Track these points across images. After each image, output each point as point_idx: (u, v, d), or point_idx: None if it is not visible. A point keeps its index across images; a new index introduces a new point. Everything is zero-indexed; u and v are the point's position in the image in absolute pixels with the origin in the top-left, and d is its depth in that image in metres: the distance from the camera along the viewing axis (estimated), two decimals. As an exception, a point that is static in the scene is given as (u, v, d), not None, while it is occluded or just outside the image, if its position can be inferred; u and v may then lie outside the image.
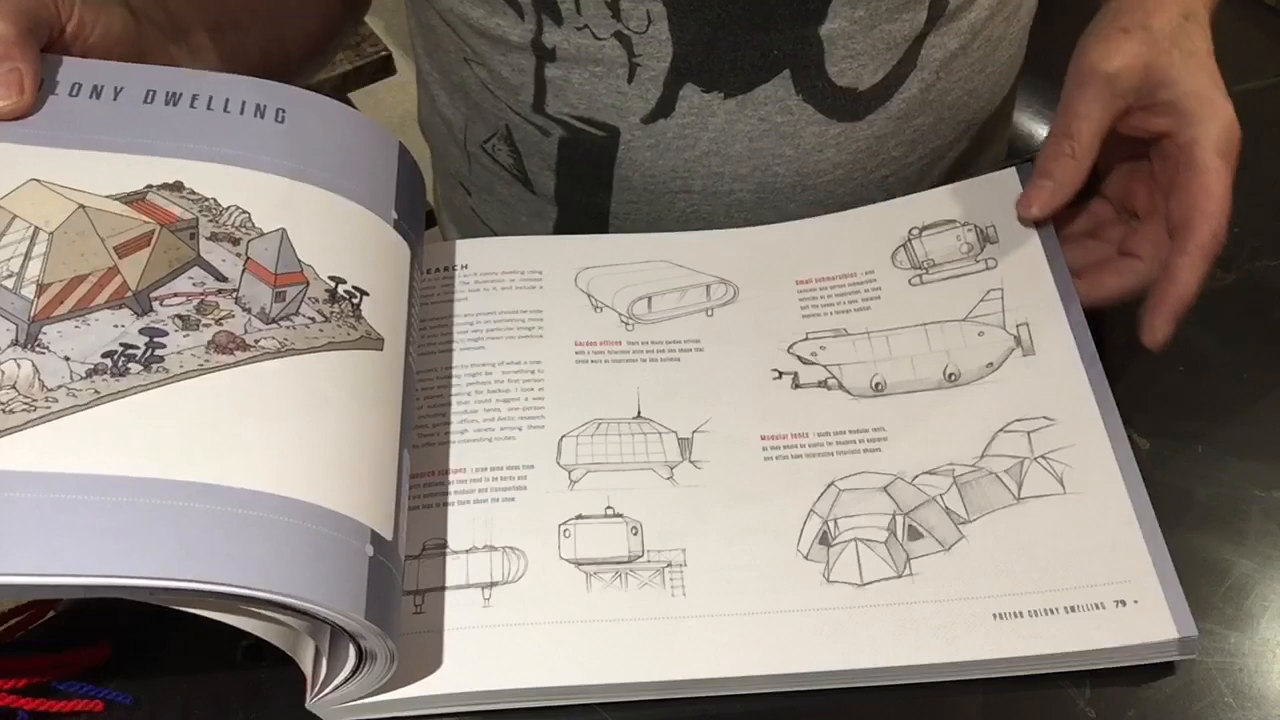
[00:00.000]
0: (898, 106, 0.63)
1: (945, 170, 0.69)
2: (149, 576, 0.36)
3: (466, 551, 0.48)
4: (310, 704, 0.43)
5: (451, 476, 0.50)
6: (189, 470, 0.38)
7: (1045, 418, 0.50)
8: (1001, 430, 0.50)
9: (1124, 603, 0.45)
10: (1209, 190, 0.50)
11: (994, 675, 0.45)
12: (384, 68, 1.36)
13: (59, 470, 0.37)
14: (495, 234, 0.74)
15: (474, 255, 0.57)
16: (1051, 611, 0.45)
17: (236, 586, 0.37)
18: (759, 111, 0.61)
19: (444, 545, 0.48)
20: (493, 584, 0.47)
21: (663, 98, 0.60)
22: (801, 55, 0.59)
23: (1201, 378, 0.54)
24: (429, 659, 0.45)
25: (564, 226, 0.69)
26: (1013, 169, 0.58)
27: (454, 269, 0.56)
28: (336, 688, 0.42)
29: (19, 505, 0.36)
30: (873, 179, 0.65)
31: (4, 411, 0.38)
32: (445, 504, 0.49)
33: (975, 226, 0.56)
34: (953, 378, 0.52)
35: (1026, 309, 0.53)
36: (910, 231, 0.57)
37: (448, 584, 0.47)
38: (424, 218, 0.53)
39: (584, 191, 0.66)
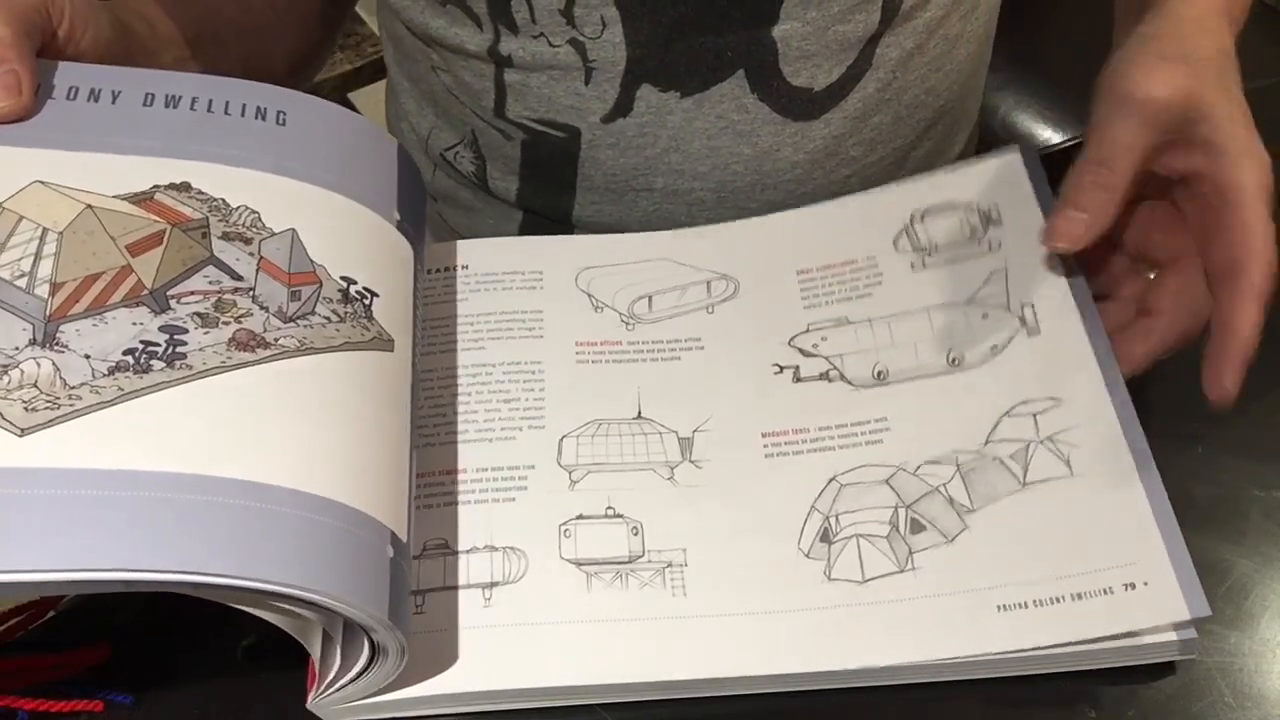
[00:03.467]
0: (854, 106, 0.63)
1: (910, 171, 0.68)
2: (184, 571, 0.36)
3: (467, 552, 0.48)
4: (311, 704, 0.43)
5: (452, 477, 0.50)
6: (218, 466, 0.38)
7: (1051, 398, 0.49)
8: (1006, 414, 0.49)
9: (1133, 585, 0.44)
10: (1254, 229, 0.47)
11: (995, 675, 0.45)
12: (384, 68, 1.36)
13: (87, 466, 0.37)
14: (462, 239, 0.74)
15: (474, 256, 0.57)
16: (1057, 600, 0.44)
17: (271, 583, 0.37)
18: (715, 109, 0.61)
19: (445, 545, 0.48)
20: (493, 584, 0.47)
21: (620, 98, 0.61)
22: (755, 56, 0.59)
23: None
24: (430, 659, 0.45)
25: (528, 231, 0.70)
26: (1015, 150, 0.57)
27: (455, 269, 0.57)
28: (345, 685, 0.42)
29: (48, 502, 0.36)
30: (833, 179, 0.65)
31: (28, 410, 0.38)
32: (446, 504, 0.49)
33: (978, 208, 0.55)
34: (956, 362, 0.51)
35: (1031, 290, 0.52)
36: (912, 215, 0.56)
37: (448, 584, 0.47)
38: (424, 218, 0.53)
39: (548, 194, 0.67)
